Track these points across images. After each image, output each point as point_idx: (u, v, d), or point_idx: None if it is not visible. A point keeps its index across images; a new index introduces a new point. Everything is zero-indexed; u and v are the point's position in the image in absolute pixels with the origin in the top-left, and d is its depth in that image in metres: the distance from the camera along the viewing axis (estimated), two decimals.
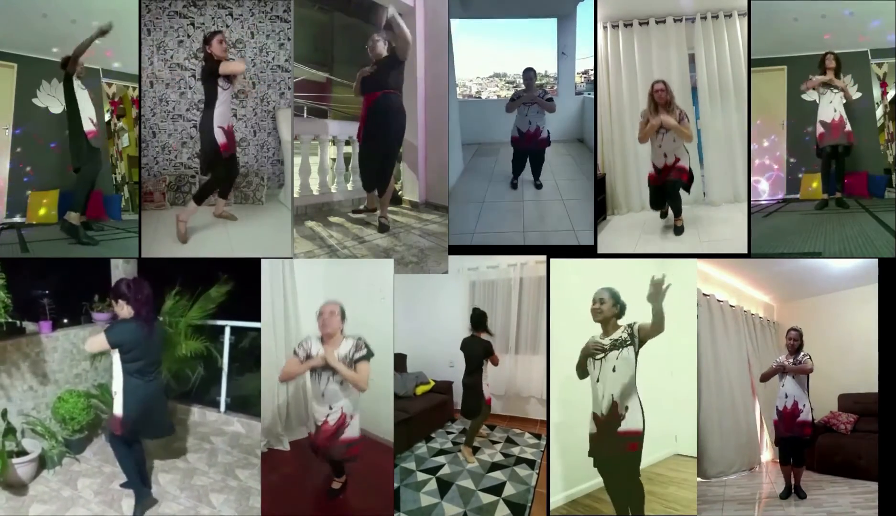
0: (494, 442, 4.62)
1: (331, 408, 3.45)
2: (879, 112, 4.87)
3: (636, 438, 3.25)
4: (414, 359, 4.84)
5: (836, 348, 4.26)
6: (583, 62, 5.07)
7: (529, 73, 4.82)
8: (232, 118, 4.31)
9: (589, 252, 4.00)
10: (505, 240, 4.19)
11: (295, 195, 4.54)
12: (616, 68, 4.44)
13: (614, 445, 3.26)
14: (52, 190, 4.69)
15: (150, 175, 4.78)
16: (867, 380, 3.94)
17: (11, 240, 4.36)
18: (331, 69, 5.44)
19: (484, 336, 4.35)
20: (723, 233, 4.12)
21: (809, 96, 4.81)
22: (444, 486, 3.95)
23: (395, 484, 3.92)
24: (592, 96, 4.27)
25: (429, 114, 4.98)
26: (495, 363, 4.38)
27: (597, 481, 3.76)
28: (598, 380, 3.29)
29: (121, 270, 4.80)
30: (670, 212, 4.28)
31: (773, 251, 4.04)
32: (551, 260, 3.90)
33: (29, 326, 4.39)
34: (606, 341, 3.28)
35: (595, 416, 3.31)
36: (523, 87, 4.80)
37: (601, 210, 4.23)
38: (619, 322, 3.31)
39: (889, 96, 4.84)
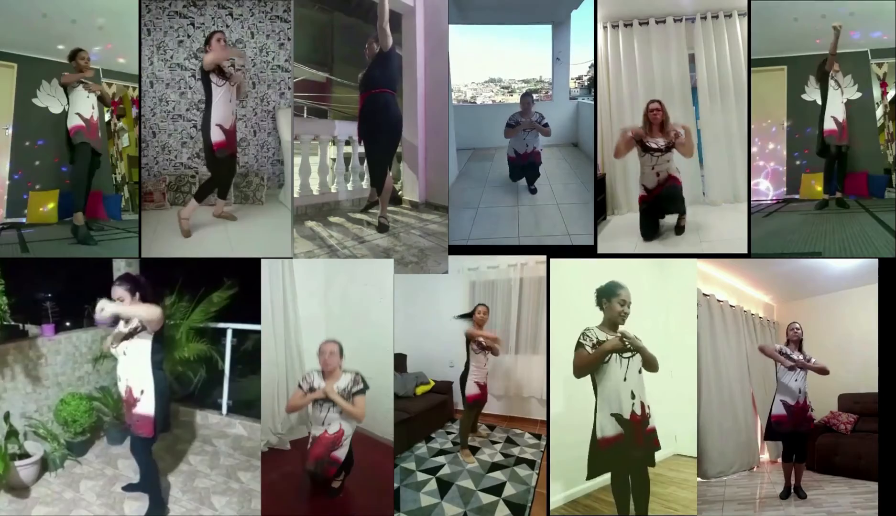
0: (494, 443, 4.62)
1: (329, 424, 3.68)
2: (879, 112, 4.88)
3: (656, 434, 3.35)
4: (414, 359, 4.84)
5: (836, 348, 4.26)
6: (577, 67, 5.09)
7: (527, 99, 4.81)
8: (232, 116, 4.28)
9: (589, 252, 4.00)
10: (501, 244, 4.19)
11: (295, 195, 4.54)
12: (616, 68, 4.44)
13: (648, 444, 3.31)
14: (52, 190, 4.70)
15: (150, 175, 4.78)
16: (867, 380, 3.94)
17: (11, 240, 4.36)
18: (331, 69, 5.44)
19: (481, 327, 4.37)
20: (723, 233, 4.12)
21: (810, 96, 4.82)
22: (444, 486, 3.95)
23: (395, 485, 3.92)
24: (586, 101, 4.27)
25: (428, 114, 4.99)
26: (471, 335, 4.32)
27: (596, 481, 3.77)
28: (624, 380, 3.26)
29: (122, 272, 4.80)
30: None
31: (773, 251, 4.04)
32: (551, 260, 3.90)
33: (31, 329, 4.39)
34: (636, 339, 3.25)
35: (620, 418, 3.26)
36: (519, 109, 4.79)
37: (601, 210, 4.23)
38: None
39: (889, 96, 4.85)
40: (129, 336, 3.42)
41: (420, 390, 4.81)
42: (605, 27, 4.35)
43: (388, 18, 4.40)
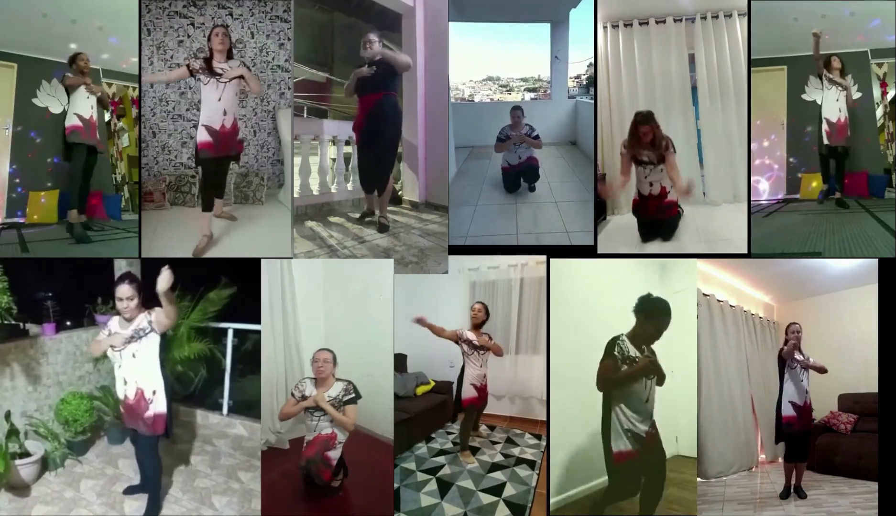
0: (495, 443, 4.62)
1: (322, 431, 3.72)
2: (879, 112, 4.87)
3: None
4: (414, 359, 4.84)
5: (836, 348, 4.26)
6: (575, 66, 5.09)
7: (517, 112, 4.78)
8: (223, 117, 4.05)
9: (589, 252, 4.00)
10: (499, 242, 4.18)
11: (295, 195, 4.54)
12: (616, 68, 4.44)
13: (661, 455, 3.45)
14: (51, 190, 4.69)
15: (150, 175, 4.78)
16: (867, 380, 3.94)
17: (11, 240, 4.36)
18: (331, 69, 5.44)
19: (479, 326, 4.35)
20: (723, 233, 4.12)
21: (810, 96, 4.81)
22: (444, 487, 3.95)
23: (396, 485, 3.92)
24: (585, 100, 4.26)
25: (428, 114, 4.99)
26: (435, 331, 4.22)
27: (597, 482, 3.77)
28: (646, 401, 3.34)
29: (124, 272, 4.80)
30: None
31: (773, 251, 4.04)
32: (551, 260, 3.89)
33: (32, 328, 4.39)
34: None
35: (636, 435, 3.34)
36: (510, 122, 4.78)
37: (601, 210, 4.23)
38: None
39: (889, 96, 4.84)
40: (133, 338, 3.42)
41: (420, 390, 4.82)
42: (604, 27, 4.35)
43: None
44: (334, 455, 3.69)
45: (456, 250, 4.08)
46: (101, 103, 4.62)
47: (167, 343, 4.32)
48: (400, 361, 4.66)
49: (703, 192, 4.54)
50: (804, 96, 4.82)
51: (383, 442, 4.06)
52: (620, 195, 4.25)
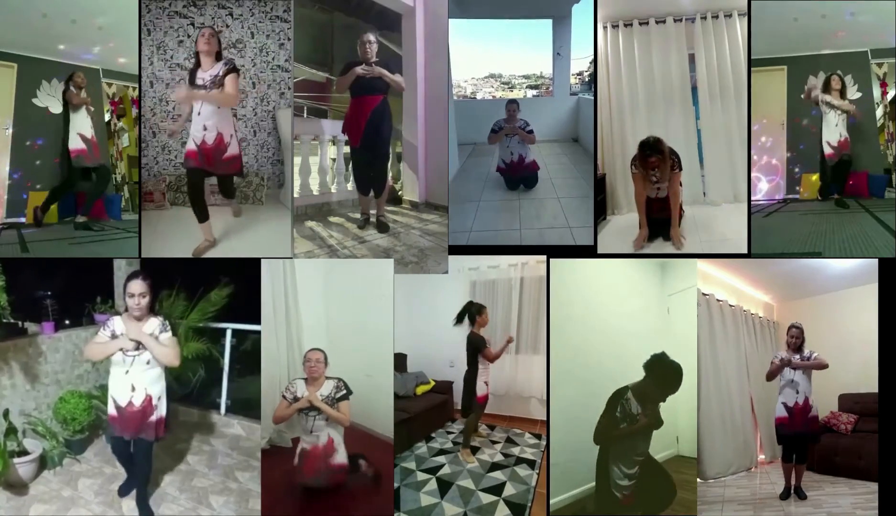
0: (495, 442, 4.62)
1: (318, 438, 3.71)
2: (879, 112, 4.88)
3: None
4: (414, 358, 4.84)
5: (836, 348, 4.25)
6: (578, 63, 5.09)
7: (512, 105, 4.81)
8: (204, 132, 3.91)
9: (589, 252, 4.00)
10: (501, 237, 4.19)
11: (295, 195, 4.54)
12: (616, 68, 4.44)
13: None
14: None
15: (150, 175, 4.78)
16: (867, 380, 3.94)
17: (11, 240, 4.36)
18: (331, 69, 5.44)
19: (482, 330, 4.34)
20: (723, 233, 4.12)
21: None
22: (444, 486, 3.95)
23: (396, 484, 3.92)
24: (587, 96, 4.26)
25: (429, 114, 4.98)
26: (488, 358, 4.32)
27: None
28: (641, 451, 3.53)
29: (123, 272, 4.80)
30: None
31: (773, 251, 4.04)
32: (551, 260, 3.89)
33: (31, 327, 4.39)
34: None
35: (630, 475, 3.51)
36: (505, 116, 4.79)
37: (601, 210, 4.23)
38: None
39: (889, 96, 4.85)
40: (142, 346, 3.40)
41: (420, 390, 4.82)
42: (605, 27, 4.35)
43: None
44: (340, 458, 3.69)
45: (456, 250, 4.07)
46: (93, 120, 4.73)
47: None
48: (400, 361, 4.66)
49: (703, 192, 4.54)
50: (804, 96, 4.83)
51: (383, 442, 4.05)
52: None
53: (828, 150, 4.72)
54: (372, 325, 4.02)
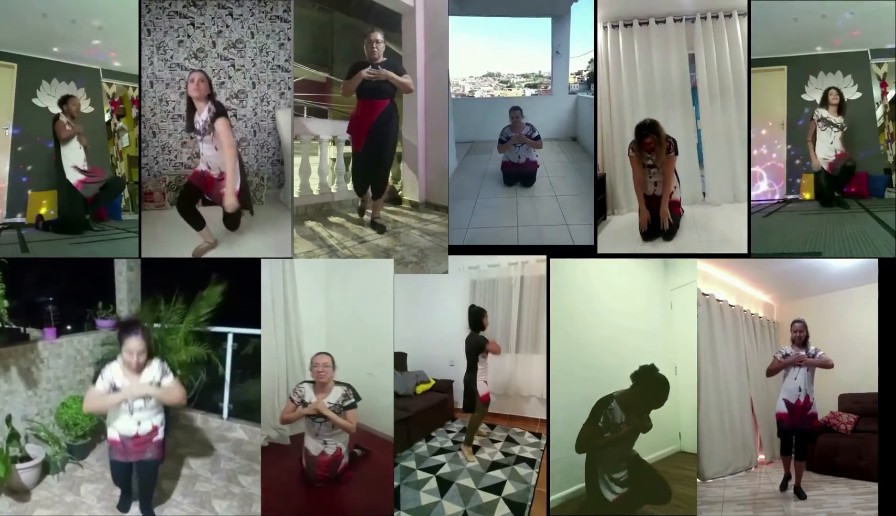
0: (495, 441, 4.63)
1: (325, 444, 3.78)
2: (879, 112, 4.87)
3: None
4: (414, 357, 4.85)
5: (836, 348, 4.26)
6: (577, 61, 5.08)
7: (516, 112, 4.78)
8: (207, 168, 4.08)
9: (589, 252, 4.00)
10: (499, 235, 4.19)
11: (295, 195, 4.54)
12: (616, 68, 4.44)
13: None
14: (51, 190, 4.69)
15: (150, 175, 4.77)
16: (867, 380, 3.95)
17: (11, 241, 4.36)
18: (331, 69, 5.44)
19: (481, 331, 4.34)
20: (723, 233, 4.12)
21: (811, 96, 4.82)
22: (444, 485, 3.95)
23: (396, 483, 3.92)
24: (586, 95, 4.25)
25: (429, 114, 4.98)
26: (494, 351, 4.32)
27: None
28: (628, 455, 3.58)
29: (124, 276, 4.80)
30: None
31: (773, 251, 4.04)
32: (551, 260, 3.90)
33: (33, 332, 4.38)
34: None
35: (619, 480, 3.55)
36: (510, 123, 4.78)
37: (601, 210, 4.23)
38: None
39: (889, 96, 4.84)
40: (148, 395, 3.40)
41: (420, 389, 4.82)
42: (605, 27, 4.35)
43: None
44: (345, 460, 3.82)
45: (456, 250, 4.08)
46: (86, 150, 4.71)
47: (165, 348, 4.32)
48: (400, 360, 4.66)
49: (703, 192, 4.54)
50: (804, 96, 4.82)
51: (384, 440, 4.06)
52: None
53: (825, 167, 4.70)
54: (372, 325, 4.02)
